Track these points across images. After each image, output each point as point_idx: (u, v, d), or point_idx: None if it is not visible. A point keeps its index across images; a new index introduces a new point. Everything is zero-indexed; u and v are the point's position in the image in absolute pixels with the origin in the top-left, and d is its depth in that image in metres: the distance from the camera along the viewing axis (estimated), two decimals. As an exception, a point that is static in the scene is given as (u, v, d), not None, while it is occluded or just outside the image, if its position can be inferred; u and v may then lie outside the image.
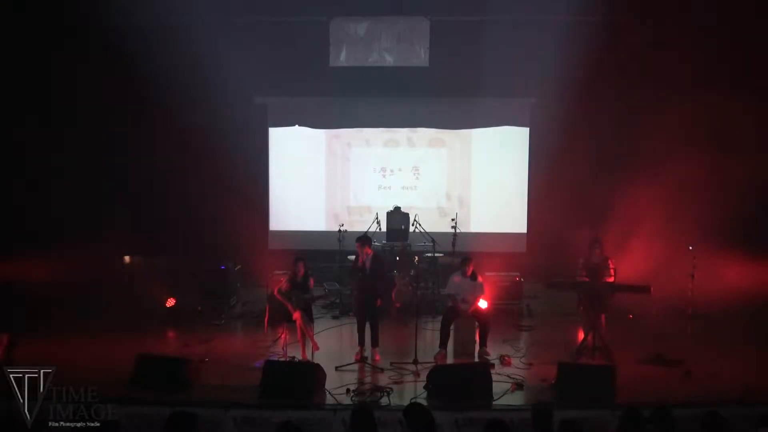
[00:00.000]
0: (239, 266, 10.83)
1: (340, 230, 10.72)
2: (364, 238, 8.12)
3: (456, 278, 8.30)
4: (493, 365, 7.57)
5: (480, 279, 8.29)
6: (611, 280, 8.26)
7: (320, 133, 12.60)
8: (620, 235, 9.51)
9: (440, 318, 8.40)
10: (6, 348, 7.15)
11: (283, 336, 8.02)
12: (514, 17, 11.35)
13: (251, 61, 11.23)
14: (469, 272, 8.21)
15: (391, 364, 7.76)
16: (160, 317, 9.63)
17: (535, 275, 10.51)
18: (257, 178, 12.29)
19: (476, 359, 7.98)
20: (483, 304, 8.23)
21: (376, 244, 10.58)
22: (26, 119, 10.39)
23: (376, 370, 7.64)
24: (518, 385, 7.08)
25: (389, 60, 12.10)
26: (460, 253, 9.93)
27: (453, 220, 10.52)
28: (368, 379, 7.37)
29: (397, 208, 11.08)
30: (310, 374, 6.85)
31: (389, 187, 12.54)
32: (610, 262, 8.48)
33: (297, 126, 12.50)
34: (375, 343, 8.06)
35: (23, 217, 10.06)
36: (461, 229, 10.80)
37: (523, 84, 11.50)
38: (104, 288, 9.73)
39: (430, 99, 12.11)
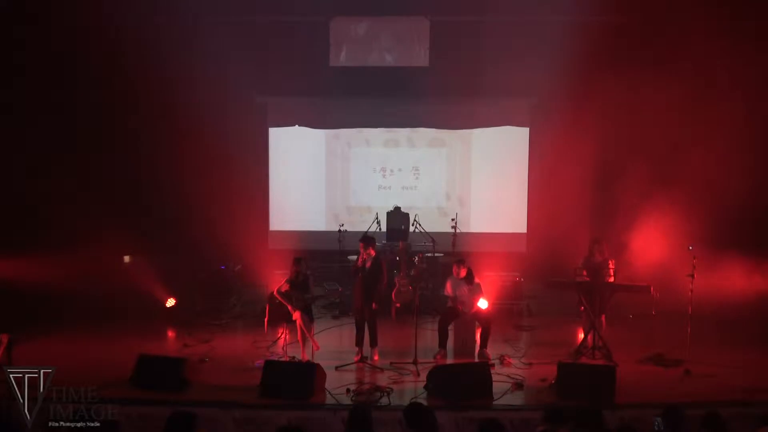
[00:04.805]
0: (239, 266, 10.82)
1: (340, 230, 10.74)
2: (368, 239, 8.10)
3: (449, 281, 8.30)
4: (493, 365, 7.56)
5: (477, 280, 8.26)
6: (611, 280, 8.27)
7: (320, 133, 12.60)
8: (620, 235, 9.51)
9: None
10: (6, 348, 7.15)
11: (283, 336, 8.03)
12: (514, 17, 11.35)
13: (251, 61, 11.22)
14: (462, 274, 8.19)
15: (391, 364, 7.76)
16: (160, 317, 9.64)
17: (535, 275, 10.51)
18: (257, 178, 12.29)
19: (476, 359, 7.98)
20: (483, 304, 8.21)
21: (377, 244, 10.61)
22: (26, 119, 10.37)
23: (376, 370, 7.65)
24: (518, 385, 7.09)
25: (389, 60, 12.11)
26: (460, 253, 9.94)
27: (453, 220, 10.53)
28: (368, 379, 7.37)
29: (397, 208, 11.09)
30: (310, 374, 6.84)
31: (389, 187, 12.54)
32: (610, 262, 8.48)
33: (297, 126, 12.50)
34: (374, 343, 8.06)
35: (23, 216, 10.05)
36: (461, 229, 10.82)
37: (523, 84, 11.48)
38: (104, 288, 9.72)
39: (430, 99, 12.07)
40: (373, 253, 8.02)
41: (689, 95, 9.77)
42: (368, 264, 7.98)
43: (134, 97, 10.92)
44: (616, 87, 10.44)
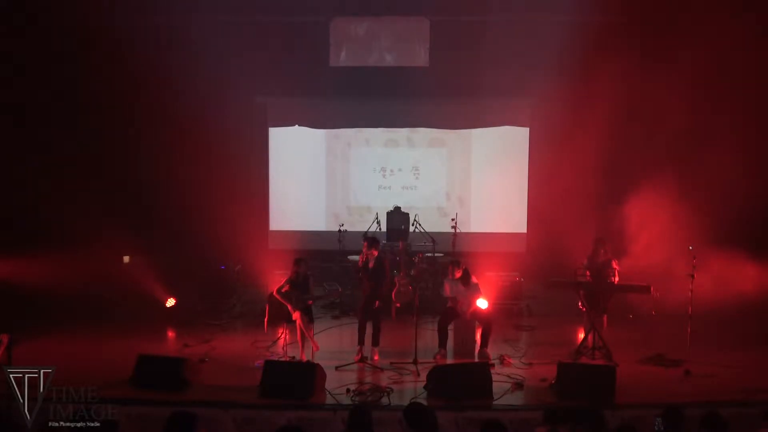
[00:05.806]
0: (239, 266, 10.82)
1: (340, 230, 10.73)
2: (372, 240, 8.12)
3: (446, 283, 8.29)
4: (493, 365, 7.56)
5: (474, 280, 8.26)
6: (614, 280, 8.27)
7: (320, 133, 12.60)
8: (620, 235, 9.50)
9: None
10: (6, 348, 7.15)
11: (283, 336, 8.03)
12: (514, 17, 11.35)
13: (251, 61, 11.23)
14: (457, 275, 8.17)
15: (391, 364, 7.76)
16: (160, 317, 9.63)
17: (535, 275, 10.51)
18: (257, 178, 12.28)
19: (476, 359, 7.98)
20: (483, 304, 8.21)
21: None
22: (26, 119, 10.37)
23: (376, 370, 7.65)
24: (518, 385, 7.09)
25: (389, 60, 12.10)
26: (460, 253, 9.94)
27: (453, 220, 10.52)
28: (368, 379, 7.37)
29: (397, 208, 11.09)
30: (310, 374, 6.84)
31: (389, 187, 12.54)
32: (613, 262, 8.48)
33: (297, 126, 12.50)
34: (375, 343, 8.06)
35: (23, 216, 10.05)
36: (461, 229, 10.80)
37: (523, 84, 11.48)
38: (104, 288, 9.73)
39: (430, 99, 12.08)
40: (375, 253, 8.03)
41: (690, 95, 9.76)
42: (371, 264, 7.99)
43: (134, 96, 10.92)
44: (616, 87, 10.45)
